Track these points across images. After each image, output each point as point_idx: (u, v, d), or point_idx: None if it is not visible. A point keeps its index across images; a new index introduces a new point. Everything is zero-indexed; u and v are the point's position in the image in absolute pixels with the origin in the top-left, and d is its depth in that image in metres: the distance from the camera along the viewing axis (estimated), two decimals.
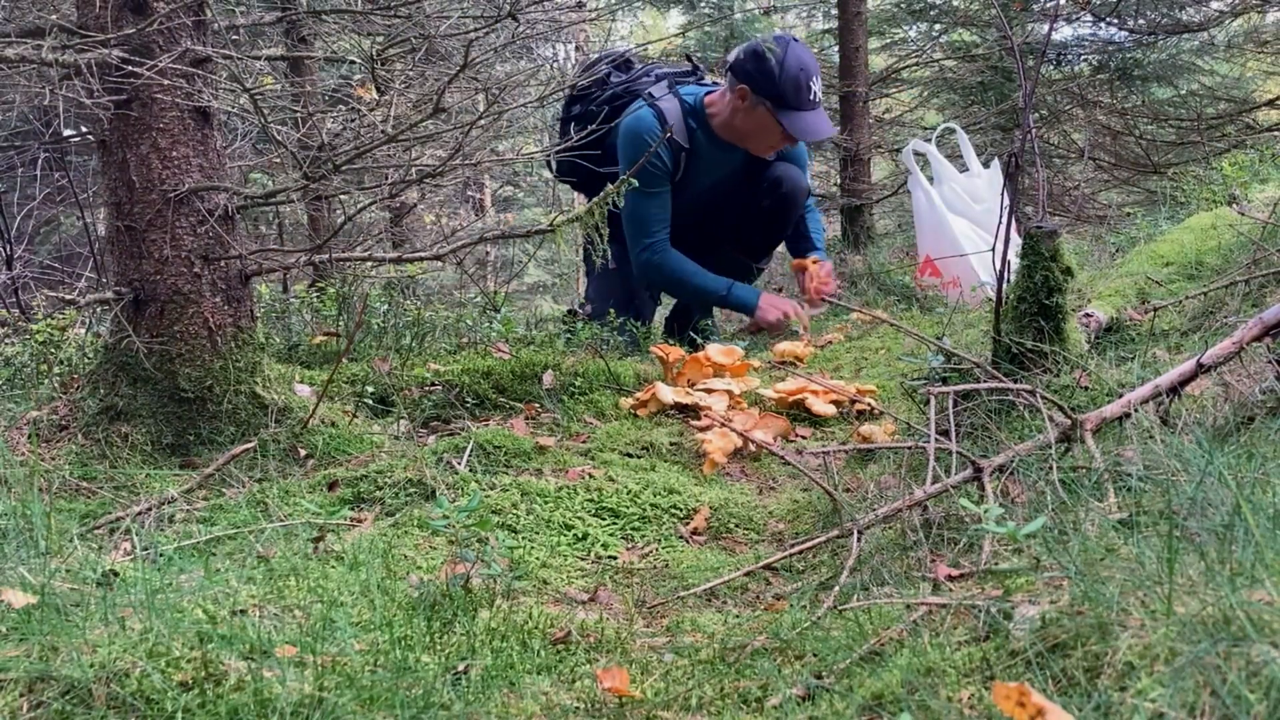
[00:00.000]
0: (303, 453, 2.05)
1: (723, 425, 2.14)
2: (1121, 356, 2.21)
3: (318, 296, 3.16)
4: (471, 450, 2.03)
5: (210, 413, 2.04)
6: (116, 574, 1.37)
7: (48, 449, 1.95)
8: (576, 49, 8.93)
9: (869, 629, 1.19)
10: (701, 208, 3.72)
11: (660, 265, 3.57)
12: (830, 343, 3.40)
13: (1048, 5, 6.04)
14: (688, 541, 1.80)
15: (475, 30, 2.26)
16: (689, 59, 3.93)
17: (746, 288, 3.64)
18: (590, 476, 1.94)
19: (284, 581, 1.41)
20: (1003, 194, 1.94)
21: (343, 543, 1.63)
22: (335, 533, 1.68)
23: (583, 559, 1.70)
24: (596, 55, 4.13)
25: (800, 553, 1.58)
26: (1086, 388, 1.85)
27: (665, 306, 4.63)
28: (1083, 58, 6.80)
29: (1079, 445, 1.54)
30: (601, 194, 2.18)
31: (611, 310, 3.35)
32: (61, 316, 2.53)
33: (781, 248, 4.03)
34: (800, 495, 1.98)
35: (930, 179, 4.17)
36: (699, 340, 3.41)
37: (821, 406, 2.40)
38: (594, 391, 2.51)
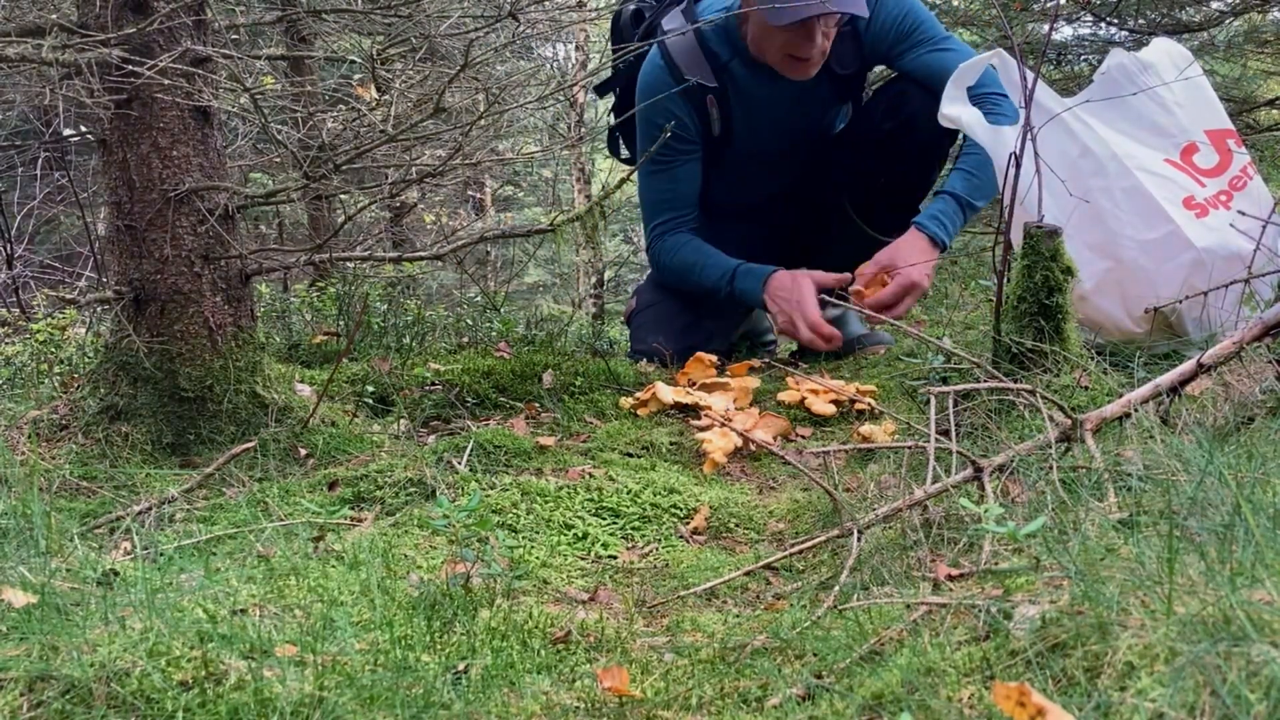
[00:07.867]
0: (303, 452, 2.05)
1: (723, 425, 2.14)
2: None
3: (318, 296, 3.16)
4: (471, 450, 2.03)
5: (210, 412, 2.04)
6: (117, 573, 1.37)
7: (48, 449, 1.95)
8: (576, 49, 8.93)
9: (869, 629, 1.19)
10: (774, 163, 2.79)
11: (661, 255, 2.72)
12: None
13: (1048, 5, 6.04)
14: (688, 541, 1.80)
15: (475, 30, 2.26)
16: None
17: (755, 271, 2.63)
18: (590, 476, 1.94)
19: (284, 581, 1.41)
20: (1002, 194, 1.94)
21: (343, 542, 1.63)
22: (335, 532, 1.68)
23: (583, 559, 1.70)
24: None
25: (800, 552, 1.58)
26: (1086, 388, 1.85)
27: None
28: (1083, 58, 6.79)
29: (1079, 445, 1.54)
30: (602, 193, 2.18)
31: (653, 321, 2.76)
32: (62, 316, 2.53)
33: None
34: (800, 495, 1.97)
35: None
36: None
37: (821, 406, 2.40)
38: (594, 391, 2.51)
